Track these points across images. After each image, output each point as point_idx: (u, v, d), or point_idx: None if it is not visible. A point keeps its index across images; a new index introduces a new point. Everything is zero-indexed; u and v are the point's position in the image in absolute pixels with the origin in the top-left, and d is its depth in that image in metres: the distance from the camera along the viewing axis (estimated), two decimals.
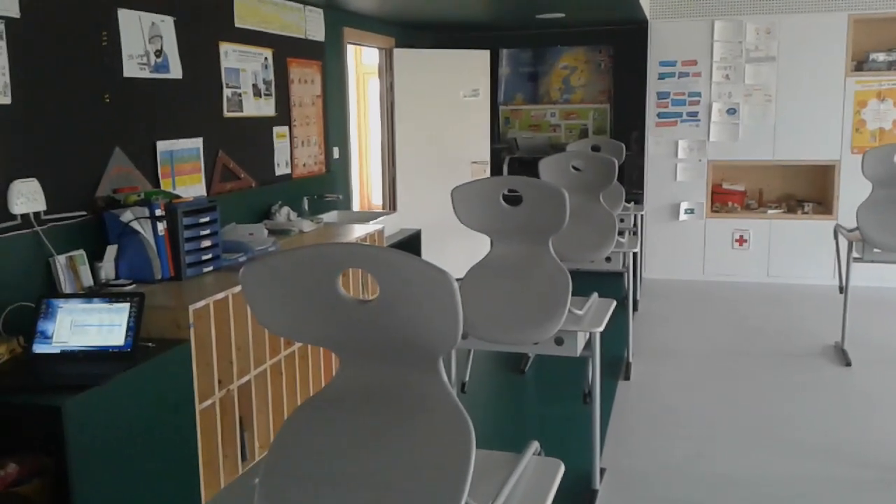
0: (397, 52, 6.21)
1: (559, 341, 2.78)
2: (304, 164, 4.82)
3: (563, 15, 6.23)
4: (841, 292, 4.54)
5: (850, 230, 4.41)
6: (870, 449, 3.34)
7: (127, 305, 2.47)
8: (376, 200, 7.62)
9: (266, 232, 3.69)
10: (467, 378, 3.48)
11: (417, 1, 5.17)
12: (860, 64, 6.04)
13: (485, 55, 6.47)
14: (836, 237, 4.65)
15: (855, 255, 4.38)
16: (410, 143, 6.31)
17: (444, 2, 5.31)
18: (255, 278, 1.47)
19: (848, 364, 4.38)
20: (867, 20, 5.95)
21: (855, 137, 6.05)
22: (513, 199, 2.82)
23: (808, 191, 6.44)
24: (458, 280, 1.45)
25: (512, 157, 7.37)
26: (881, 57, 6.01)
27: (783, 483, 3.08)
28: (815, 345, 4.72)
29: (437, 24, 6.64)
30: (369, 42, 5.98)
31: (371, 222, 4.55)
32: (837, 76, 6.03)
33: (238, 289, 2.85)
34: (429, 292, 1.38)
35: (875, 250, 4.27)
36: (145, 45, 3.29)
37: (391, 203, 6.38)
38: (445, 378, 1.48)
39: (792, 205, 6.42)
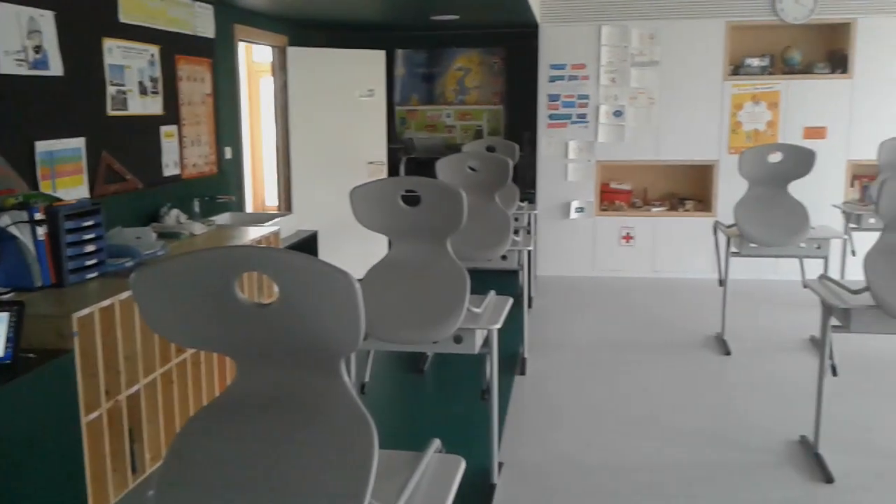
0: (290, 50, 6.12)
1: (458, 339, 2.82)
2: (195, 165, 4.68)
3: (457, 17, 6.30)
4: (720, 285, 4.80)
5: (729, 226, 4.67)
6: (749, 433, 3.55)
7: (5, 315, 2.33)
8: (271, 202, 7.48)
9: (154, 235, 3.56)
10: (367, 379, 3.47)
11: None
12: (736, 68, 6.40)
13: (380, 55, 6.47)
14: (715, 233, 4.91)
15: (733, 249, 4.63)
16: (306, 142, 6.23)
17: (338, 1, 5.28)
18: (147, 284, 1.43)
19: (728, 353, 4.64)
20: (742, 27, 6.32)
21: (732, 138, 6.41)
22: (411, 200, 2.84)
23: (690, 189, 6.77)
24: (357, 281, 1.45)
25: (409, 158, 7.39)
26: (755, 62, 6.38)
27: (670, 468, 3.23)
28: (698, 335, 4.97)
29: (331, 23, 6.58)
30: (261, 40, 5.87)
31: (266, 224, 4.47)
32: (715, 80, 6.36)
33: (125, 295, 2.74)
34: (330, 294, 1.38)
35: (751, 245, 4.54)
36: (23, 40, 3.11)
37: (286, 204, 6.28)
38: (347, 380, 1.48)
39: (674, 203, 6.73)
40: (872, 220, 5.13)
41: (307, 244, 5.36)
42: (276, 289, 1.43)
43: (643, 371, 4.40)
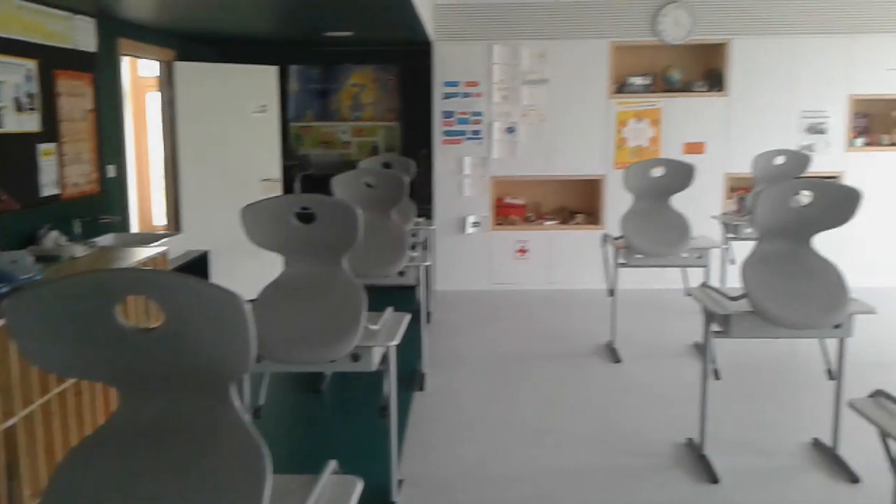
0: (178, 65, 5.95)
1: (356, 357, 2.80)
2: (75, 184, 4.47)
3: (350, 33, 6.30)
4: (610, 295, 4.97)
5: (616, 238, 4.84)
6: (640, 438, 3.68)
7: None
8: (159, 221, 7.23)
9: (31, 259, 3.37)
10: (262, 402, 3.39)
11: (198, 12, 5.00)
12: (621, 87, 6.67)
13: (273, 71, 6.38)
14: (603, 245, 5.08)
15: (620, 260, 4.81)
16: (195, 160, 6.06)
17: (226, 14, 5.18)
18: (21, 311, 1.36)
19: (618, 361, 4.80)
20: (625, 47, 6.59)
21: (618, 154, 6.66)
22: (305, 217, 2.81)
23: (580, 203, 6.98)
24: (250, 301, 1.42)
25: (305, 175, 7.31)
26: (638, 81, 6.67)
27: (566, 476, 3.31)
28: (590, 344, 5.12)
29: (221, 38, 6.45)
30: (147, 54, 5.68)
31: (153, 245, 4.31)
32: (601, 98, 6.61)
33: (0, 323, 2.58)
34: (217, 316, 1.35)
35: (637, 256, 4.73)
36: None
37: (175, 224, 6.08)
38: (237, 404, 1.45)
39: (566, 216, 6.93)
40: (749, 231, 5.43)
41: (197, 265, 5.20)
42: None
43: (540, 381, 4.49)
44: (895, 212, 6.58)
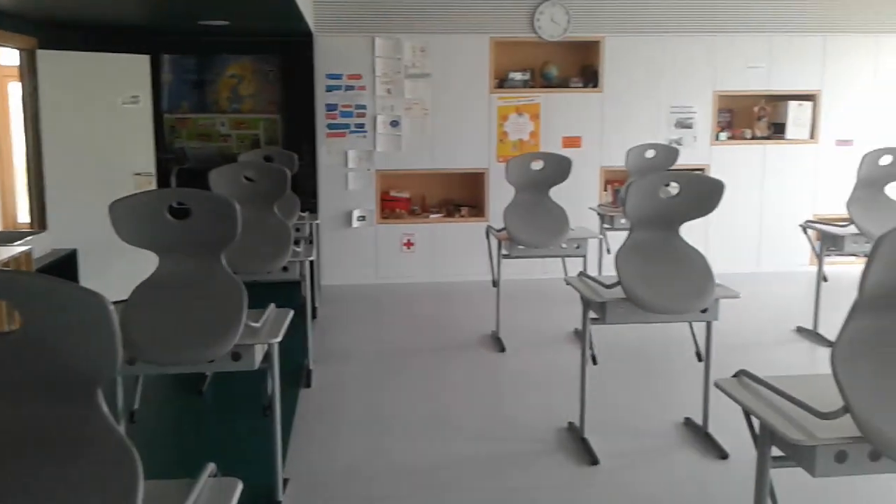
0: (41, 53, 5.59)
1: (236, 356, 2.73)
2: None
3: (227, 22, 6.11)
4: (494, 286, 5.07)
5: (499, 230, 4.93)
6: (524, 424, 3.77)
7: None
8: (24, 219, 6.79)
9: None
10: (137, 406, 3.26)
11: None
12: (501, 82, 6.79)
13: (144, 60, 6.10)
14: (487, 237, 5.17)
15: (503, 252, 4.91)
16: (61, 153, 5.72)
17: (93, 0, 4.91)
18: None
19: (503, 350, 4.90)
20: (505, 43, 6.71)
21: (499, 147, 6.78)
22: (180, 213, 2.71)
23: (464, 196, 7.06)
24: (122, 301, 1.36)
25: (181, 168, 7.05)
26: (518, 76, 6.81)
27: (453, 466, 3.35)
28: (476, 335, 5.20)
29: (88, 25, 6.10)
30: (6, 42, 5.31)
31: (15, 244, 4.05)
32: (483, 92, 6.70)
33: None
34: (80, 318, 1.28)
35: (519, 247, 4.83)
36: None
37: (40, 221, 5.73)
38: (105, 409, 1.38)
39: (451, 209, 6.99)
40: (623, 221, 5.66)
41: (65, 264, 4.92)
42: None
43: (427, 373, 4.52)
44: (756, 202, 7.02)
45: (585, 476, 3.24)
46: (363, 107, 6.63)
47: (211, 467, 1.69)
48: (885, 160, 4.87)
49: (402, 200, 6.96)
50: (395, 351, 4.94)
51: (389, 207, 6.90)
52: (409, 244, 6.80)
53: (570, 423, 3.68)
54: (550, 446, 3.51)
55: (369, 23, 6.53)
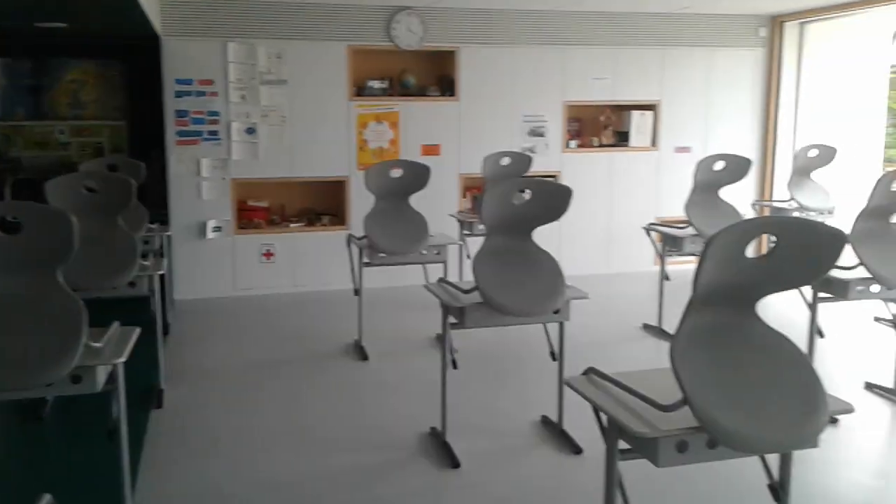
0: None
1: (76, 379, 2.56)
2: None
3: (64, 24, 5.75)
4: (356, 295, 5.04)
5: (360, 238, 4.91)
6: (388, 431, 3.76)
7: None
8: None
9: None
10: None
11: None
12: (360, 90, 6.77)
13: None
14: (348, 245, 5.13)
15: (365, 260, 4.89)
16: None
17: None
18: None
19: (366, 358, 4.87)
20: (363, 51, 6.70)
21: (360, 155, 6.76)
22: (12, 227, 2.52)
23: (325, 204, 6.98)
24: None
25: (17, 179, 6.56)
26: (376, 84, 6.81)
27: (317, 479, 3.30)
28: (339, 344, 5.15)
29: None
30: None
31: None
32: (341, 100, 6.66)
33: None
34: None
35: (380, 255, 4.83)
36: None
37: None
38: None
39: (311, 218, 6.89)
40: (482, 227, 5.77)
41: None
42: None
43: (288, 386, 4.43)
44: (604, 206, 7.36)
45: (447, 479, 3.27)
46: (216, 113, 6.42)
47: (47, 498, 1.57)
48: (719, 165, 5.25)
49: (260, 210, 6.79)
50: (256, 365, 4.81)
51: (247, 217, 6.71)
52: (268, 255, 6.64)
53: (433, 428, 3.71)
54: (414, 452, 3.52)
55: (221, 27, 6.34)
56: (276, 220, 6.84)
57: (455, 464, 3.37)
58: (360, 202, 6.24)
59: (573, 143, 7.31)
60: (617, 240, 7.38)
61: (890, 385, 4.19)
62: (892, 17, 8.24)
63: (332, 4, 6.50)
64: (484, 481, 3.26)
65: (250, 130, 6.50)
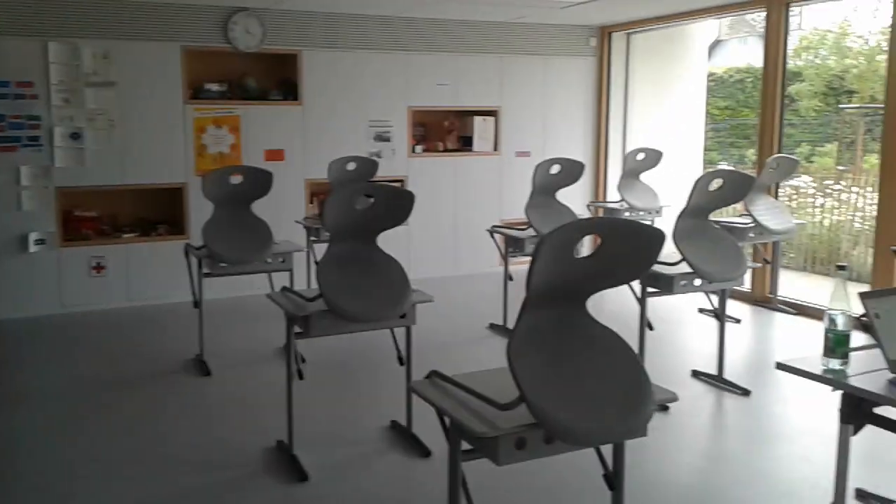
0: None
1: None
2: None
3: None
4: (196, 307, 4.82)
5: (198, 248, 4.70)
6: (233, 448, 3.61)
7: None
8: None
9: None
10: None
11: None
12: (196, 92, 6.50)
13: None
14: (186, 255, 4.90)
15: (205, 270, 4.69)
16: None
17: None
18: None
19: (208, 374, 4.67)
20: (199, 52, 6.44)
21: (198, 161, 6.49)
22: None
23: (161, 213, 6.64)
24: None
25: None
26: (214, 87, 6.57)
27: (161, 501, 3.11)
28: (179, 360, 4.91)
29: None
30: None
31: None
32: (177, 103, 6.37)
33: None
34: None
35: (221, 264, 4.64)
36: None
37: None
38: None
39: (146, 227, 6.53)
40: (328, 233, 5.70)
41: None
42: None
43: (123, 408, 4.16)
44: (451, 210, 7.48)
45: (294, 493, 3.19)
46: (37, 118, 5.96)
47: None
48: (555, 169, 5.47)
49: (89, 220, 6.36)
50: (87, 387, 4.49)
51: (74, 228, 6.26)
52: (99, 268, 6.23)
53: (279, 442, 3.61)
54: (260, 468, 3.41)
55: (40, 25, 5.89)
56: (107, 231, 6.43)
57: (302, 477, 3.29)
58: (199, 210, 6.00)
59: (419, 148, 7.38)
60: (463, 242, 7.52)
61: (714, 372, 4.52)
62: (708, 31, 8.95)
63: (163, 3, 6.21)
64: (331, 493, 3.21)
65: (75, 136, 6.08)
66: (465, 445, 2.20)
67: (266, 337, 5.33)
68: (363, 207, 3.40)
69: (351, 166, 5.94)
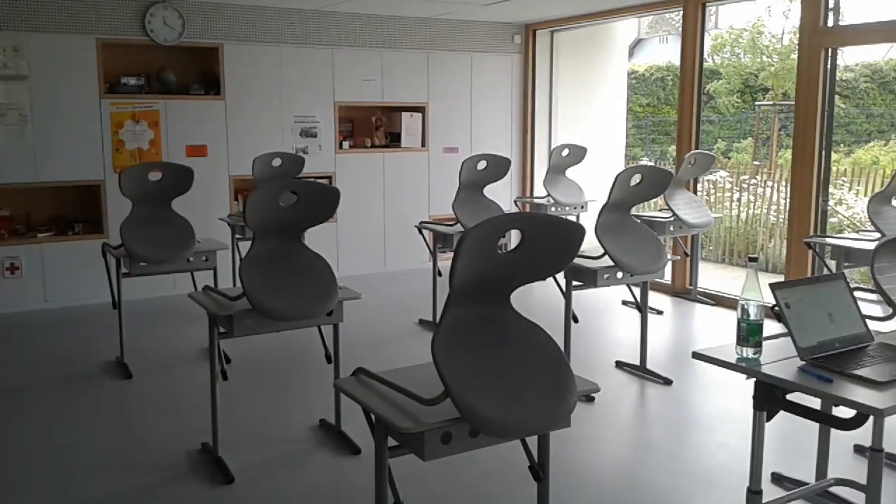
0: None
1: None
2: None
3: None
4: (115, 308, 4.67)
5: (117, 247, 4.55)
6: (155, 452, 3.51)
7: None
8: None
9: None
10: None
11: None
12: (113, 86, 6.28)
13: None
14: (104, 255, 4.74)
15: (124, 270, 4.54)
16: None
17: None
18: None
19: (129, 376, 4.54)
20: (115, 45, 6.22)
21: (116, 157, 6.28)
22: None
23: (78, 211, 6.41)
24: None
25: None
26: (132, 81, 6.36)
27: None
28: (99, 363, 4.75)
29: None
30: None
31: None
32: (93, 97, 6.15)
33: None
34: None
35: (141, 264, 4.51)
36: None
37: None
38: None
39: (62, 226, 6.29)
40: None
41: None
42: None
43: (42, 414, 4.00)
44: (379, 206, 7.45)
45: (220, 496, 3.13)
46: None
47: None
48: (481, 165, 5.50)
49: (1, 219, 6.08)
50: (1, 392, 4.31)
51: None
52: (12, 269, 5.98)
53: (204, 444, 3.53)
54: (183, 471, 3.33)
55: None
56: (20, 231, 6.17)
57: (228, 479, 3.23)
58: (118, 208, 5.80)
59: (346, 144, 7.32)
60: (393, 239, 7.50)
61: (636, 362, 4.63)
62: (629, 29, 9.15)
63: None
64: (257, 494, 3.15)
65: None
66: (393, 442, 2.20)
67: (189, 337, 5.21)
68: (287, 204, 3.35)
69: (276, 162, 5.85)
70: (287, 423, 3.86)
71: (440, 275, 5.47)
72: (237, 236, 5.86)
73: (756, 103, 12.22)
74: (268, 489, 3.20)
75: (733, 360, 2.40)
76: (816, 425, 3.05)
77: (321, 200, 3.36)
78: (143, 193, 4.58)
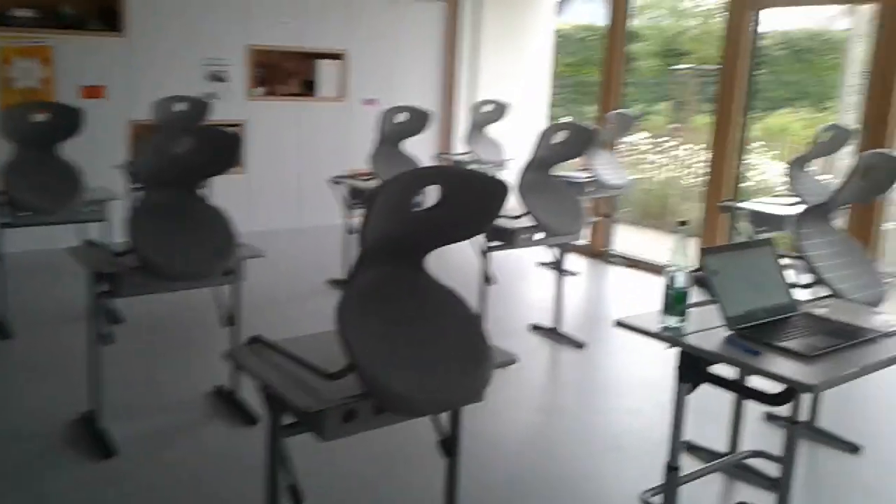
0: None
1: None
2: None
3: None
4: None
5: None
6: (28, 421, 3.21)
7: None
8: None
9: None
10: None
11: None
12: (2, 19, 5.70)
13: None
14: None
15: (6, 220, 4.12)
16: None
17: None
18: None
19: (8, 336, 4.14)
20: None
21: (6, 95, 5.72)
22: None
23: None
24: None
25: None
26: (23, 13, 5.78)
27: None
28: None
29: None
30: None
31: None
32: None
33: None
34: None
35: (23, 213, 4.09)
36: None
37: None
38: None
39: None
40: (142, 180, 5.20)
41: None
42: None
43: None
44: (294, 158, 7.09)
45: (100, 470, 2.84)
46: None
47: None
48: (401, 117, 5.24)
49: None
50: None
51: None
52: None
53: (84, 413, 3.22)
54: (59, 443, 3.02)
55: None
56: None
57: (111, 451, 2.95)
58: (3, 151, 5.30)
59: (259, 91, 6.90)
60: (308, 193, 7.16)
61: (551, 325, 4.53)
62: None
63: None
64: (140, 468, 2.87)
65: None
66: (288, 419, 1.98)
67: (79, 295, 4.75)
68: (183, 151, 3.03)
69: (180, 107, 5.44)
70: (179, 391, 3.57)
71: (351, 232, 5.21)
72: (135, 186, 5.43)
73: (671, 67, 12.26)
74: (152, 463, 2.93)
75: (657, 329, 2.27)
76: (728, 393, 2.99)
77: (220, 148, 3.05)
78: (25, 135, 4.14)
